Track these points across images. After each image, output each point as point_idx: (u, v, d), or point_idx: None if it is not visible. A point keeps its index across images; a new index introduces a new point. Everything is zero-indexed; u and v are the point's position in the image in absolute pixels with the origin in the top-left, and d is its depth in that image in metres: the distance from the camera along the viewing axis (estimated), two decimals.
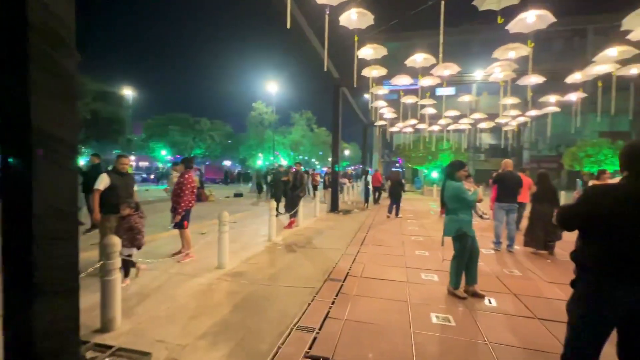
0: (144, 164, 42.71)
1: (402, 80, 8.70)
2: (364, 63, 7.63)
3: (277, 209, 9.38)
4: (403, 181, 10.96)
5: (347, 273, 4.20)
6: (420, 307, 3.15)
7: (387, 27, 8.01)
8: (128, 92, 26.22)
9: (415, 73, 8.61)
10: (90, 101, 18.84)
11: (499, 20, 4.85)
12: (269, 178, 14.84)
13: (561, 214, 1.77)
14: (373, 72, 8.01)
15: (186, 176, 4.78)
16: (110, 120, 20.32)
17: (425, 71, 9.09)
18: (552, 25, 5.17)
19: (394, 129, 16.51)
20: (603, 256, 1.57)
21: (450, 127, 15.65)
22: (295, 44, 9.32)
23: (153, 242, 5.81)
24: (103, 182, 3.97)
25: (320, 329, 2.68)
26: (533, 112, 12.67)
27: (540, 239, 5.43)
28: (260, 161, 38.09)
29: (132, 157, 33.67)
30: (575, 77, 8.11)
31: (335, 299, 3.35)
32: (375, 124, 16.48)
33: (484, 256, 5.16)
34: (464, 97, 11.50)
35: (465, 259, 3.40)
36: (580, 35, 27.96)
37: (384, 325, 2.77)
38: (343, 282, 3.87)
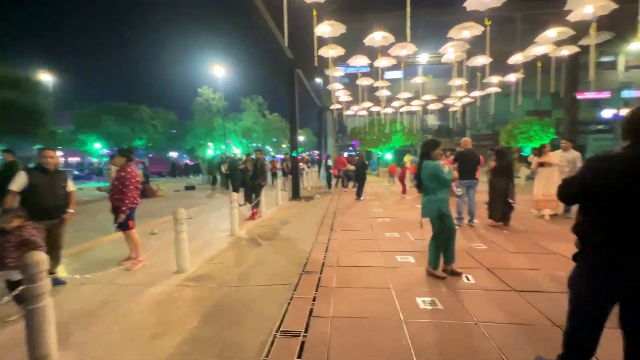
0: (74, 159, 37.86)
1: (359, 61, 8.51)
2: (321, 42, 7.25)
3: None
4: (367, 163, 11.01)
5: (323, 263, 3.98)
6: (404, 293, 3.05)
7: (345, 2, 7.65)
8: (48, 78, 22.58)
9: (370, 54, 8.48)
10: None
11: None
12: (224, 168, 13.99)
13: (565, 188, 1.68)
14: (330, 51, 7.67)
15: (128, 169, 4.09)
16: (27, 110, 17.32)
17: (382, 52, 9.03)
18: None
19: (349, 112, 16.48)
20: (610, 228, 1.51)
21: (403, 109, 16.07)
22: (246, 22, 8.58)
23: (92, 250, 5.01)
24: (18, 182, 3.19)
25: (306, 332, 2.42)
26: (477, 93, 13.45)
27: (500, 212, 5.74)
28: (210, 150, 36.08)
29: (60, 152, 29.56)
30: (517, 58, 8.57)
31: (315, 294, 3.11)
32: (330, 107, 16.25)
33: None
34: (416, 78, 11.69)
35: (444, 239, 3.37)
36: (510, 22, 30.37)
37: (373, 319, 2.60)
38: (320, 274, 3.63)
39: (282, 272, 3.78)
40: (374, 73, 8.86)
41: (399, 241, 4.93)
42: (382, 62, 8.89)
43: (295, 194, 10.45)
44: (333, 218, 6.97)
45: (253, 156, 8.04)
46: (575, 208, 2.74)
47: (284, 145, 47.06)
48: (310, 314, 2.69)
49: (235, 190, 8.90)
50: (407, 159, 20.49)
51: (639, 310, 1.53)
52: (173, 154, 43.17)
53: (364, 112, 17.16)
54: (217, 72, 25.94)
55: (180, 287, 3.43)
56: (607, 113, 32.13)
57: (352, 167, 13.82)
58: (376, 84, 11.60)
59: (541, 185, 6.43)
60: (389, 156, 22.22)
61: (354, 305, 2.83)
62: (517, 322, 2.49)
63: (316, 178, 19.02)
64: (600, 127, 32.45)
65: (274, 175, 13.33)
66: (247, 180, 9.06)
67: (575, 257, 1.68)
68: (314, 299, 3.00)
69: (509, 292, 3.03)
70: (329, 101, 24.80)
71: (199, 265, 4.13)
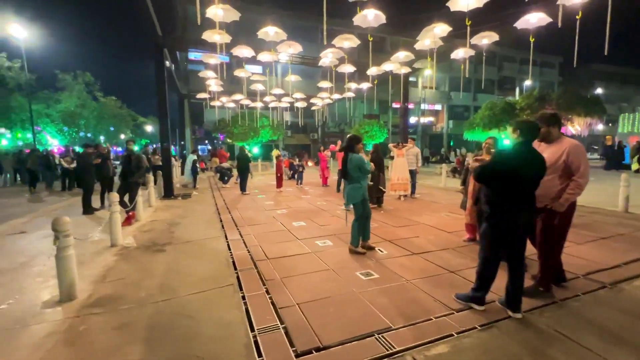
0: None
1: (244, 52, 8.30)
2: (205, 24, 6.69)
3: (89, 205, 7.11)
4: (249, 155, 10.76)
5: (252, 259, 3.88)
6: (343, 271, 3.44)
7: None
8: None
9: (255, 47, 8.43)
10: None
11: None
12: (65, 162, 10.67)
13: (481, 173, 2.44)
14: (216, 36, 7.19)
15: None
16: None
17: (267, 47, 9.03)
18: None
19: (217, 103, 15.59)
20: (512, 197, 2.34)
21: (273, 104, 16.58)
22: None
23: None
24: None
25: (282, 323, 2.43)
26: (337, 96, 15.45)
27: (375, 196, 7.02)
28: (5, 140, 26.03)
29: None
30: (372, 70, 10.39)
31: (265, 287, 3.07)
32: (198, 95, 14.92)
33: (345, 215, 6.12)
34: (290, 77, 12.33)
35: (364, 221, 3.96)
36: (382, 41, 35.89)
37: (334, 297, 2.86)
38: (256, 268, 3.56)
39: (211, 275, 3.45)
40: (233, 65, 8.65)
41: (309, 229, 5.31)
42: (265, 56, 8.99)
43: (169, 192, 9.18)
44: (229, 214, 6.65)
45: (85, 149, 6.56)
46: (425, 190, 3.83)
47: (122, 136, 39.25)
48: (275, 308, 2.68)
49: (89, 190, 7.03)
50: (275, 153, 21.36)
51: (519, 243, 2.46)
52: None
53: (232, 105, 16.65)
54: (15, 32, 18.89)
55: (81, 318, 2.62)
56: (412, 119, 43.08)
57: (226, 165, 13.29)
58: (253, 78, 11.57)
59: (396, 171, 8.24)
60: (255, 150, 22.36)
61: (309, 290, 3.00)
62: (428, 275, 3.31)
63: (179, 174, 17.08)
64: (410, 130, 43.10)
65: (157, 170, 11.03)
66: (108, 178, 7.35)
67: (487, 218, 2.48)
68: (267, 292, 2.97)
69: (412, 256, 3.92)
70: (184, 88, 22.58)
71: (89, 288, 3.21)
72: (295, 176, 12.28)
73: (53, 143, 28.38)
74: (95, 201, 7.40)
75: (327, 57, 8.66)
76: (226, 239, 4.79)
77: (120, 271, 3.64)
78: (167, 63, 15.04)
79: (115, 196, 4.62)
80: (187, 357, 2.10)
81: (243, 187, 9.78)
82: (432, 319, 2.47)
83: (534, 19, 5.94)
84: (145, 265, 3.81)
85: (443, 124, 43.58)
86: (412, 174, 8.34)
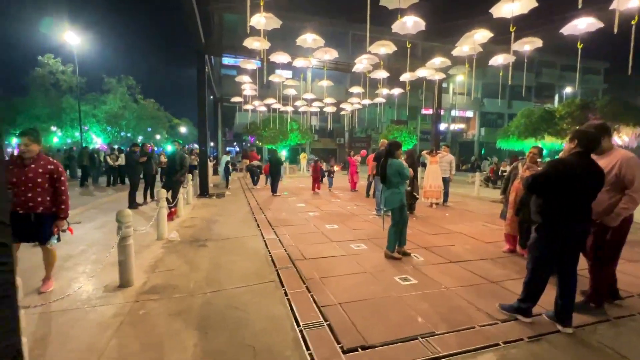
0: None
1: (280, 58, 8.56)
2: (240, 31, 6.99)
3: (134, 200, 7.51)
4: (280, 157, 11.07)
5: (290, 258, 4.01)
6: (381, 274, 3.48)
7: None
8: None
9: (291, 53, 8.69)
10: None
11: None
12: (110, 160, 11.53)
13: (534, 182, 2.40)
14: (255, 43, 7.49)
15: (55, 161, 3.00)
16: None
17: (304, 53, 9.30)
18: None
19: (249, 106, 16.08)
20: (567, 208, 2.30)
21: (303, 109, 16.87)
22: None
23: None
24: None
25: (326, 320, 2.52)
26: (367, 101, 15.46)
27: (407, 202, 6.97)
28: (56, 138, 28.34)
29: None
30: (406, 76, 10.31)
31: (306, 286, 3.18)
32: (232, 99, 15.51)
33: (377, 220, 6.14)
34: (322, 82, 12.52)
35: (401, 226, 3.98)
36: (414, 46, 35.83)
37: (374, 299, 2.91)
38: (295, 268, 3.68)
39: (252, 271, 3.61)
40: (265, 71, 8.90)
41: (343, 232, 5.38)
42: (300, 62, 9.25)
43: (204, 191, 9.61)
44: (263, 214, 6.87)
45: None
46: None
47: (158, 137, 41.40)
48: (317, 305, 2.77)
49: (135, 187, 7.52)
50: (303, 157, 21.68)
51: (571, 256, 2.39)
52: None
53: (263, 108, 17.11)
54: (69, 38, 20.56)
55: (140, 303, 2.85)
56: (442, 126, 42.09)
57: (256, 163, 13.66)
58: (287, 83, 11.88)
59: (429, 179, 8.11)
60: (284, 153, 22.82)
61: (348, 291, 3.07)
62: (468, 284, 3.27)
63: (211, 175, 17.77)
64: (440, 137, 42.13)
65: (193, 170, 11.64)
66: (152, 175, 7.83)
67: (537, 229, 2.43)
68: (308, 290, 3.07)
69: (449, 264, 3.88)
70: (218, 92, 23.49)
71: (144, 276, 3.47)
72: (324, 180, 12.36)
73: (97, 141, 30.49)
74: (138, 197, 7.90)
75: (362, 63, 8.76)
76: (263, 237, 4.97)
77: (168, 263, 3.90)
78: (207, 69, 15.87)
79: (163, 192, 4.95)
80: (240, 346, 2.24)
81: (274, 189, 10.04)
82: (476, 327, 2.45)
83: (582, 25, 5.72)
84: (191, 259, 4.04)
85: (474, 131, 42.17)
86: (445, 181, 8.19)
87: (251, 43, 7.42)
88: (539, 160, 4.00)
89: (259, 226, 5.73)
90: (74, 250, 4.37)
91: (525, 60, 7.84)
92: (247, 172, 15.00)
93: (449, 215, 7.05)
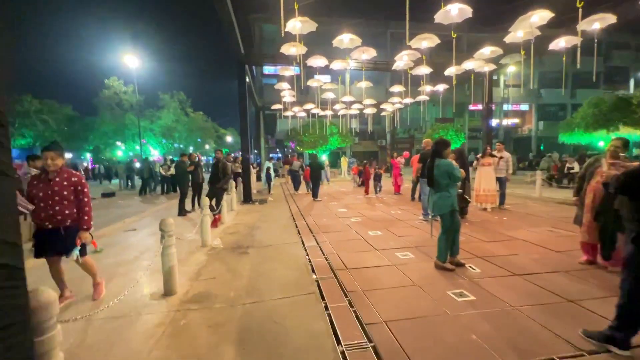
0: None
1: (318, 62, 8.49)
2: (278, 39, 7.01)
3: (183, 208, 7.88)
4: (322, 161, 11.01)
5: (331, 267, 3.82)
6: (431, 288, 3.13)
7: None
8: None
9: (327, 56, 8.57)
10: None
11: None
12: (163, 170, 12.45)
13: (629, 182, 1.94)
14: (292, 49, 7.48)
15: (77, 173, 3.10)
16: None
17: (339, 55, 9.17)
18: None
19: (289, 112, 16.28)
20: None
21: (342, 112, 16.68)
22: (183, 11, 7.73)
23: None
24: None
25: (370, 341, 2.27)
26: (408, 100, 14.81)
27: (459, 206, 6.41)
28: (120, 152, 31.48)
29: None
30: (451, 70, 9.63)
31: (348, 299, 2.96)
32: (272, 107, 15.86)
33: (424, 226, 5.70)
34: (361, 83, 12.25)
35: (452, 234, 3.58)
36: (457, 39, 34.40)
37: (425, 317, 2.59)
38: (337, 279, 3.47)
39: (292, 280, 3.48)
40: (303, 76, 8.76)
41: (387, 239, 5.06)
42: (337, 65, 9.10)
43: (247, 197, 9.84)
44: (304, 220, 6.78)
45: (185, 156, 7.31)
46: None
47: (207, 147, 44.05)
48: (360, 323, 2.53)
49: (184, 195, 7.91)
50: (343, 160, 21.46)
51: None
52: (68, 156, 36.38)
53: (303, 114, 17.25)
54: (129, 62, 22.77)
55: (182, 313, 2.85)
56: (493, 122, 39.15)
57: (297, 164, 13.71)
58: (325, 87, 11.81)
59: (481, 182, 7.41)
60: (324, 158, 22.82)
61: (396, 307, 2.78)
62: (539, 303, 2.78)
63: (254, 180, 18.33)
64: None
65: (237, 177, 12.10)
66: (198, 183, 8.18)
67: (634, 239, 1.96)
68: (351, 305, 2.85)
69: (513, 277, 3.38)
70: (260, 101, 24.28)
71: (187, 284, 3.51)
72: (372, 184, 11.79)
73: (154, 153, 33.30)
74: (187, 204, 8.30)
75: (402, 60, 8.34)
76: (303, 245, 4.84)
77: (211, 270, 3.93)
78: (247, 79, 16.48)
79: (206, 201, 5.07)
80: None
81: (315, 194, 9.96)
82: None
83: None
84: (233, 266, 4.04)
85: (531, 125, 38.57)
86: (502, 182, 7.41)
87: (288, 49, 7.43)
88: (621, 154, 3.34)
89: (299, 232, 5.63)
90: (128, 256, 4.62)
91: (596, 41, 6.85)
92: (288, 175, 15.20)
93: (508, 219, 6.33)
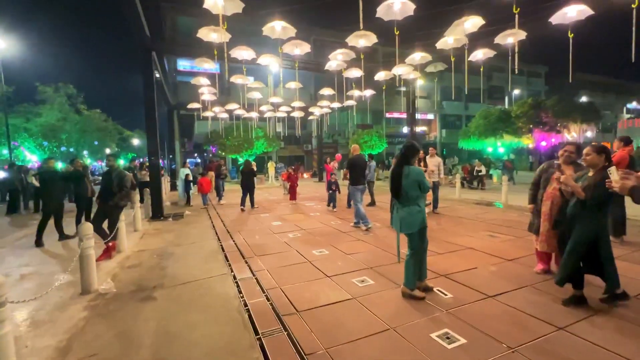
0: None
1: (243, 54, 7.39)
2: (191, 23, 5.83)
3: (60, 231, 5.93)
4: (254, 168, 9.77)
5: (276, 312, 2.85)
6: (410, 331, 2.46)
7: None
8: None
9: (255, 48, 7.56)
10: None
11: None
12: (34, 179, 9.43)
13: None
14: (212, 34, 6.30)
15: None
16: None
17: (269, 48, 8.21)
18: None
19: (209, 113, 14.54)
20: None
21: (268, 115, 15.67)
22: None
23: None
24: None
25: None
26: (336, 105, 14.67)
27: None
28: None
29: None
30: (380, 75, 9.56)
31: None
32: (188, 106, 13.91)
33: (369, 238, 5.16)
34: (291, 83, 11.46)
35: (421, 254, 3.01)
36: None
37: None
38: (286, 330, 2.54)
39: (222, 344, 2.41)
40: (224, 76, 7.67)
41: (335, 258, 4.31)
42: (265, 60, 8.10)
43: (158, 212, 8.04)
44: (231, 239, 5.60)
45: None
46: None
47: (108, 150, 37.65)
48: None
49: (53, 213, 5.86)
50: (271, 165, 20.34)
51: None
52: None
53: (225, 115, 15.69)
54: None
55: None
56: (405, 129, 43.00)
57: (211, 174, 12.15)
58: (251, 85, 10.67)
59: None
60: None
61: None
62: (535, 337, 2.34)
63: (168, 190, 15.89)
64: (403, 139, 42.96)
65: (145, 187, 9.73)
66: (84, 196, 6.22)
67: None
68: None
69: (487, 300, 2.97)
70: (174, 100, 21.51)
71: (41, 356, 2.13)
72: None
73: (32, 159, 26.75)
74: (70, 226, 6.23)
75: (336, 59, 7.84)
76: (234, 278, 3.74)
77: (91, 339, 2.56)
78: (157, 74, 14.09)
79: (87, 228, 3.51)
80: None
81: (247, 202, 8.77)
82: None
83: (572, 13, 5.32)
84: (128, 326, 2.73)
85: (436, 133, 43.58)
86: (435, 186, 7.48)
87: (207, 34, 6.20)
88: (580, 160, 3.26)
89: (227, 259, 4.47)
90: None
91: (510, 53, 7.43)
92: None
93: (445, 224, 6.29)
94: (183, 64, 28.97)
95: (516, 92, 44.90)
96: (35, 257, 5.04)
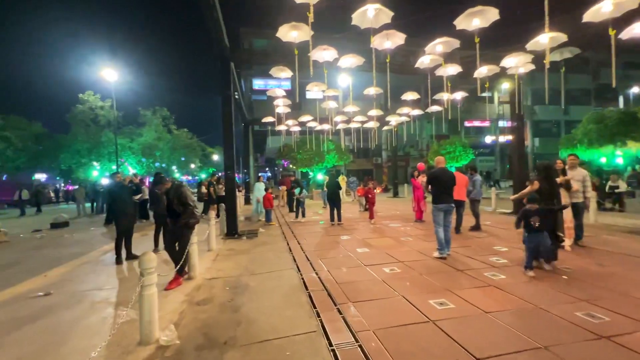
0: None
1: (324, 55, 6.57)
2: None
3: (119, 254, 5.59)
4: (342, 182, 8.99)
5: None
6: None
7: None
8: None
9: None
10: None
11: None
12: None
13: None
14: (292, 33, 5.63)
15: None
16: None
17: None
18: None
19: (281, 127, 14.27)
20: None
21: (340, 126, 14.85)
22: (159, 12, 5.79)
23: None
24: None
25: None
26: (417, 112, 13.09)
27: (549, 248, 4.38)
28: (96, 172, 28.69)
29: None
30: (482, 70, 7.84)
31: None
32: (263, 120, 13.89)
33: (510, 284, 3.60)
34: (370, 89, 10.40)
35: None
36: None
37: None
38: None
39: None
40: (295, 92, 6.93)
41: (471, 319, 2.90)
42: (347, 61, 7.13)
43: (232, 229, 7.57)
44: (313, 270, 4.58)
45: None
46: None
47: (193, 166, 41.59)
48: None
49: (122, 230, 5.59)
50: (342, 179, 19.41)
51: None
52: (40, 176, 33.37)
53: (297, 128, 15.36)
54: (107, 75, 20.70)
55: None
56: (488, 139, 38.30)
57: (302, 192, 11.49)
58: (327, 93, 9.90)
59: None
60: (320, 177, 20.76)
61: None
62: None
63: (242, 204, 16.04)
64: (487, 150, 38.29)
65: (208, 202, 9.84)
66: (160, 214, 5.93)
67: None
68: None
69: None
70: (250, 115, 22.33)
71: None
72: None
73: (132, 172, 30.67)
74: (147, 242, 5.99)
75: (433, 53, 6.52)
76: (328, 341, 2.64)
77: None
78: (235, 94, 14.51)
79: (150, 259, 2.78)
80: None
81: (336, 217, 7.92)
82: None
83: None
84: None
85: (527, 142, 37.95)
86: (579, 210, 5.46)
87: (287, 33, 5.55)
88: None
89: (313, 303, 3.41)
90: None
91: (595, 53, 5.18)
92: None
93: (607, 266, 4.31)
94: (258, 83, 30.56)
95: (636, 90, 36.85)
96: (112, 276, 4.74)
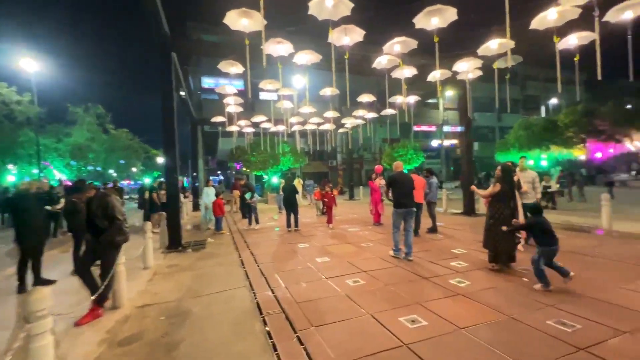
0: None
1: (278, 49, 6.06)
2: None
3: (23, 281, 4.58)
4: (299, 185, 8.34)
5: None
6: None
7: None
8: None
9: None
10: None
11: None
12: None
13: None
14: (243, 21, 5.06)
15: None
16: None
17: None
18: None
19: (233, 127, 13.37)
20: None
21: (295, 128, 14.39)
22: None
23: None
24: None
25: None
26: (371, 115, 13.16)
27: (505, 250, 4.34)
28: (12, 177, 24.59)
29: None
30: (436, 75, 7.96)
31: None
32: (212, 119, 12.89)
33: (485, 295, 3.42)
34: (326, 89, 10.10)
35: None
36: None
37: None
38: None
39: None
40: (247, 93, 6.43)
41: (449, 340, 2.61)
42: (302, 57, 6.69)
43: (175, 242, 6.65)
44: (268, 287, 4.03)
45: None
46: None
47: (134, 169, 38.02)
48: None
49: (33, 249, 4.54)
50: (298, 182, 18.93)
51: None
52: None
53: (250, 129, 14.59)
54: (25, 65, 17.84)
55: None
56: (434, 143, 40.76)
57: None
58: (281, 92, 9.35)
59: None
60: (275, 180, 20.02)
61: None
62: None
63: (190, 211, 14.76)
64: (433, 153, 40.58)
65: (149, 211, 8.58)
66: (77, 222, 4.89)
67: None
68: None
69: None
70: (199, 114, 20.83)
71: None
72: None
73: (61, 178, 26.92)
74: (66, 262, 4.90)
75: (391, 53, 6.38)
76: None
77: None
78: (182, 93, 13.25)
79: (39, 299, 2.00)
80: None
81: (293, 223, 7.35)
82: None
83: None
84: None
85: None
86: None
87: (236, 20, 4.94)
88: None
89: (269, 333, 2.87)
90: None
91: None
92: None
93: (574, 264, 4.43)
94: (208, 81, 28.80)
95: (554, 101, 41.95)
96: (9, 310, 3.69)
